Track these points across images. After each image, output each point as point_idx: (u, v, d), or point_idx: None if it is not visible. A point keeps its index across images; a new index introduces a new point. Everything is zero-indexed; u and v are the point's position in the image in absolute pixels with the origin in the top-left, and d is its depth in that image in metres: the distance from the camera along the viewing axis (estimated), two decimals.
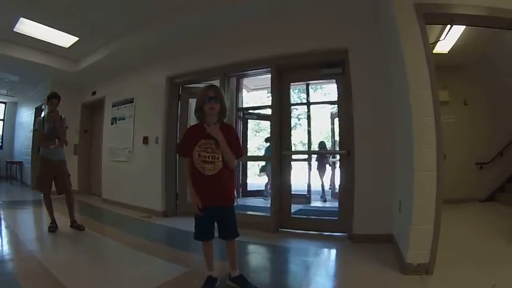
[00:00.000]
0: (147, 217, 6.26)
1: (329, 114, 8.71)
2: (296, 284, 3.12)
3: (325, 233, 4.90)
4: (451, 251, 3.56)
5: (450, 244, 3.61)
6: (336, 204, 5.97)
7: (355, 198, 4.49)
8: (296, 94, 10.69)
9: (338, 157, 9.56)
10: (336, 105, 7.36)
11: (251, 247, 4.47)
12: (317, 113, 8.59)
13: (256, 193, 9.29)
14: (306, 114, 8.66)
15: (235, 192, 3.12)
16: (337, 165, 9.82)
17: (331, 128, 8.80)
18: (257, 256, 4.31)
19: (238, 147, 2.93)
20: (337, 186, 9.61)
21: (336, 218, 5.07)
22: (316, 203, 8.21)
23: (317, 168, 9.08)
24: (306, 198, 8.12)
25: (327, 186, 9.28)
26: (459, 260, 3.48)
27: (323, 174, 9.17)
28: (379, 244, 4.12)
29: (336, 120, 8.58)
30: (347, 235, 4.65)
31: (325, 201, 8.59)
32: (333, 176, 9.55)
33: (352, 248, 4.21)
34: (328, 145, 9.56)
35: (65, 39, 7.07)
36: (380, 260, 3.59)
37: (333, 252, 4.27)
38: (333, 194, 9.02)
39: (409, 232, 3.10)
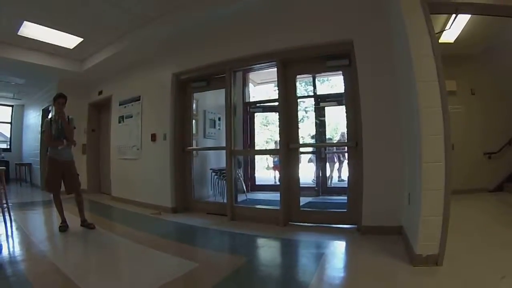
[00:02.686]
0: (157, 214, 6.31)
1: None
2: (307, 276, 3.12)
3: (335, 225, 4.90)
4: (460, 242, 3.55)
5: (459, 235, 3.59)
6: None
7: (364, 190, 4.48)
8: (303, 87, 10.66)
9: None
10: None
11: (262, 241, 4.52)
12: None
13: (264, 188, 9.23)
14: (314, 106, 8.64)
15: None
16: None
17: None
18: (267, 249, 4.34)
19: None
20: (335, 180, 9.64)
21: (345, 210, 5.07)
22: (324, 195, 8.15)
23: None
24: (315, 190, 8.09)
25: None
26: (468, 251, 3.47)
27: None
28: (389, 236, 4.12)
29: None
30: (356, 227, 4.66)
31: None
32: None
33: (361, 240, 4.21)
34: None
35: (69, 40, 7.11)
36: (389, 251, 3.59)
37: (343, 244, 4.27)
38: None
39: (418, 223, 3.09)
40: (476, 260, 3.17)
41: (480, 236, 4.07)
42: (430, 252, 3.07)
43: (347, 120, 5.04)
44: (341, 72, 5.23)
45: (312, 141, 9.81)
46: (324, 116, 8.64)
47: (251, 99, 9.20)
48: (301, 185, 5.59)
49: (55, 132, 5.05)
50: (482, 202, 6.52)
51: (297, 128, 5.53)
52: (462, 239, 3.73)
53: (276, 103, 5.66)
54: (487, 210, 5.86)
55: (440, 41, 5.50)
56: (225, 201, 6.07)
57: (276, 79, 5.55)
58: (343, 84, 5.20)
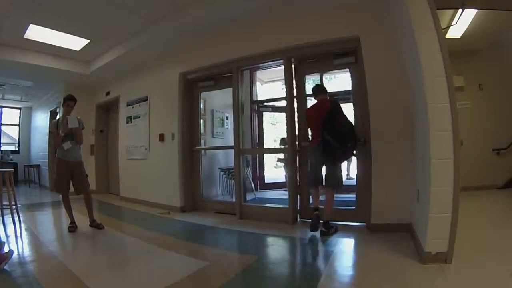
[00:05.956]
0: (165, 213, 6.33)
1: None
2: (316, 274, 3.12)
3: (344, 223, 4.88)
4: (469, 239, 3.53)
5: (468, 232, 3.57)
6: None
7: (373, 187, 4.48)
8: (310, 85, 10.63)
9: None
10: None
11: (271, 239, 4.51)
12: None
13: (274, 186, 9.20)
14: None
15: None
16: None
17: None
18: (276, 248, 4.33)
19: None
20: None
21: (354, 208, 5.05)
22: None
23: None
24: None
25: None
26: (478, 248, 3.45)
27: None
28: (398, 233, 4.10)
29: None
30: (365, 225, 4.65)
31: None
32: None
33: (370, 238, 4.20)
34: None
35: (75, 42, 7.15)
36: (398, 249, 3.58)
37: (352, 242, 4.27)
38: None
39: (427, 220, 3.07)
40: (486, 258, 3.15)
41: (490, 233, 4.04)
42: (439, 249, 3.06)
43: (354, 118, 5.01)
44: (348, 69, 5.21)
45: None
46: None
47: (259, 98, 9.18)
48: None
49: (63, 132, 5.04)
50: (492, 199, 6.47)
51: (305, 126, 5.50)
52: (472, 236, 3.70)
53: (284, 102, 5.65)
54: (497, 208, 5.82)
55: (446, 36, 5.46)
56: (233, 200, 6.09)
57: (283, 77, 5.57)
58: (350, 81, 5.18)
